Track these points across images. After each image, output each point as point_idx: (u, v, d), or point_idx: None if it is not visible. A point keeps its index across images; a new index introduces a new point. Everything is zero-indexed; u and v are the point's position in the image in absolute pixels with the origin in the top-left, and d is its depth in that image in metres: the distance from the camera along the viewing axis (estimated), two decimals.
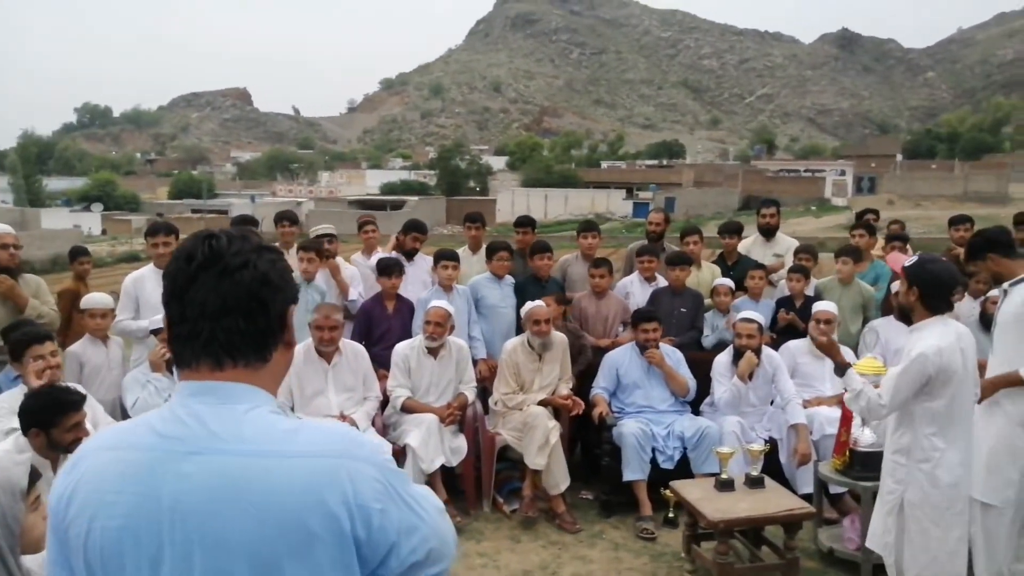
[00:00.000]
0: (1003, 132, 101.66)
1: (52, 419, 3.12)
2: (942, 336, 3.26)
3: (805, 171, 68.91)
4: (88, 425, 3.60)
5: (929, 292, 3.30)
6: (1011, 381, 3.59)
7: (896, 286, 5.47)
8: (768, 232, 6.64)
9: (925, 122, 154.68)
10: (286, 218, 6.18)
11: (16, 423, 3.40)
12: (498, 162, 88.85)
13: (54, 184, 74.28)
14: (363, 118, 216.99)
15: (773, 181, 62.15)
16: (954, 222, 6.41)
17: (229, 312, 1.19)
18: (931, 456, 3.25)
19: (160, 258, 5.00)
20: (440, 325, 4.95)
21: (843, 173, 64.04)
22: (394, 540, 1.21)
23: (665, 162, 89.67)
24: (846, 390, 3.58)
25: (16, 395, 3.77)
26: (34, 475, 1.89)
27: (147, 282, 4.99)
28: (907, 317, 5.20)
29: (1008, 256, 3.71)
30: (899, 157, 78.36)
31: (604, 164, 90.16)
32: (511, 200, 56.76)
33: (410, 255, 6.09)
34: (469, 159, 73.33)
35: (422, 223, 6.45)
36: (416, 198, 56.84)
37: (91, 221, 53.06)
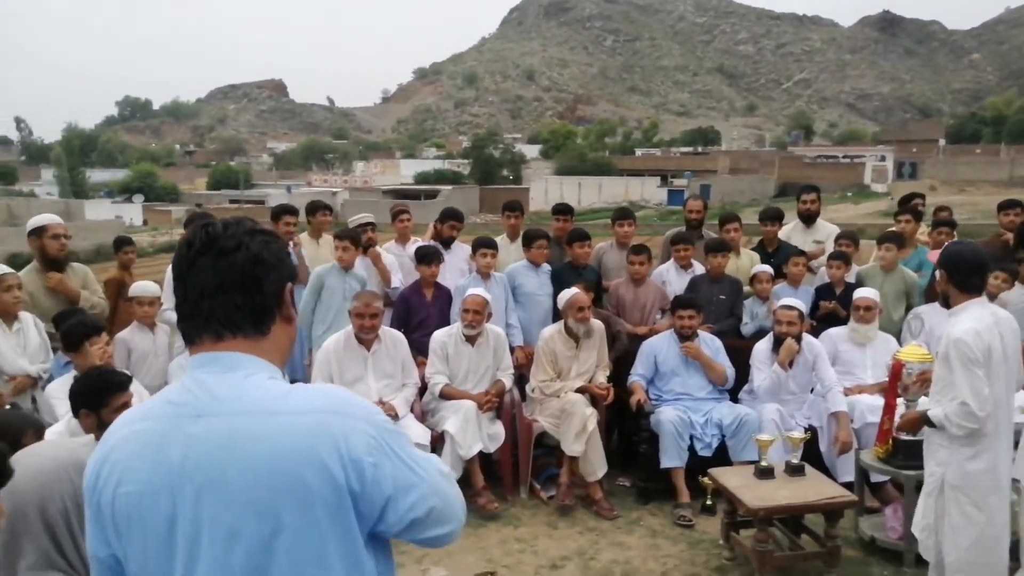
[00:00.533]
0: None
1: (101, 400, 3.21)
2: (978, 319, 3.22)
3: (844, 157, 67.69)
4: None
5: (957, 273, 3.27)
6: None
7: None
8: (808, 218, 6.54)
9: (969, 105, 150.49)
10: (319, 207, 6.25)
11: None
12: (532, 150, 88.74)
13: (97, 176, 76.00)
14: (397, 108, 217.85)
15: (810, 167, 61.15)
16: (1003, 207, 6.24)
17: (225, 290, 1.30)
18: (977, 442, 3.20)
19: None
20: (478, 313, 4.98)
21: (883, 159, 62.74)
22: (389, 494, 1.27)
23: (700, 149, 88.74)
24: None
25: (68, 381, 3.89)
26: None
27: None
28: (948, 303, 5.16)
29: None
30: (942, 142, 76.41)
31: (638, 152, 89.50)
32: (545, 188, 56.62)
33: (447, 243, 6.12)
34: (503, 148, 73.35)
35: (459, 211, 6.48)
36: (450, 187, 56.99)
37: (132, 212, 54.16)
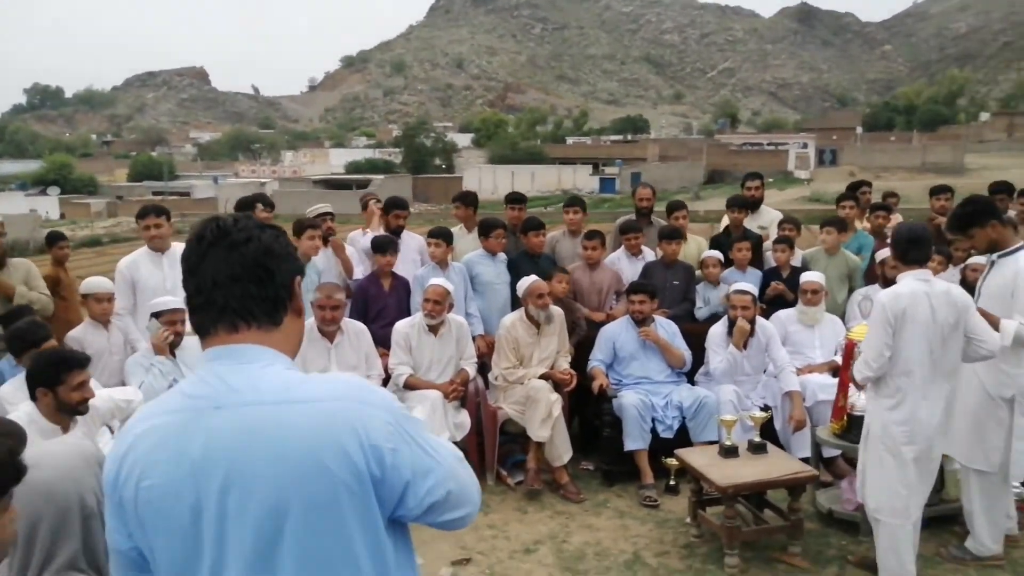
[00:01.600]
0: (958, 104, 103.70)
1: (58, 376, 3.13)
2: (908, 285, 3.49)
3: (768, 144, 69.59)
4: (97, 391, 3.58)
5: (899, 245, 3.59)
6: (989, 320, 3.72)
7: (881, 255, 5.64)
8: (753, 204, 6.74)
9: (883, 95, 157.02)
10: (261, 201, 6.08)
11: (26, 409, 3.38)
12: (463, 139, 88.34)
13: (6, 167, 72.20)
14: (324, 96, 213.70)
15: (737, 155, 62.70)
16: (934, 192, 6.57)
17: (239, 280, 1.32)
18: (895, 395, 3.48)
19: (153, 240, 4.93)
20: (439, 303, 4.97)
21: (805, 146, 64.75)
22: (408, 479, 1.31)
23: (630, 137, 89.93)
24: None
25: (20, 381, 3.73)
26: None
27: (141, 266, 4.93)
28: (891, 285, 5.41)
29: (1003, 224, 3.84)
30: (859, 130, 79.47)
31: (569, 140, 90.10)
32: (478, 177, 56.50)
33: (396, 233, 6.04)
34: (434, 136, 72.73)
35: (403, 199, 6.40)
36: (382, 177, 56.31)
37: (48, 205, 51.62)
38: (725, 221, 6.74)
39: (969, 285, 4.44)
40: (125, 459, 1.30)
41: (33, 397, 3.24)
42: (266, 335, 1.34)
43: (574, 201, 6.57)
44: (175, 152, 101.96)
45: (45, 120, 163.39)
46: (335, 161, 74.24)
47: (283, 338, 1.37)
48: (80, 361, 3.23)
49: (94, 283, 4.70)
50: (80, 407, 3.24)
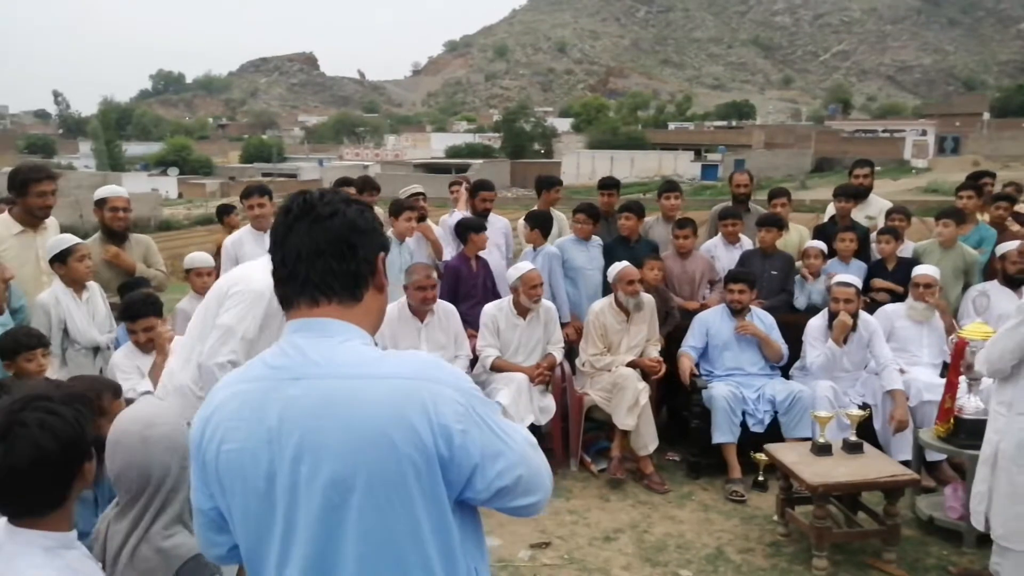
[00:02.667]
0: None
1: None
2: None
3: (883, 131, 66.18)
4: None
5: None
6: None
7: (1002, 249, 5.26)
8: (861, 193, 6.41)
9: (1016, 78, 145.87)
10: (368, 185, 6.24)
11: (143, 385, 3.60)
12: (563, 124, 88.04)
13: (133, 149, 77.05)
14: (427, 81, 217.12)
15: (848, 142, 59.91)
16: None
17: (321, 254, 1.34)
18: None
19: (257, 219, 5.13)
20: (539, 287, 4.98)
21: (924, 133, 61.20)
22: (477, 461, 1.30)
23: (734, 123, 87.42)
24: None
25: (132, 350, 3.97)
26: None
27: (245, 243, 5.14)
28: (1013, 281, 5.04)
29: None
30: (986, 116, 74.27)
31: (671, 125, 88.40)
32: (576, 162, 56.28)
33: (483, 215, 6.06)
34: (534, 121, 72.89)
35: (489, 182, 6.43)
36: (481, 161, 56.88)
37: (168, 185, 54.93)
38: (831, 211, 6.44)
39: None
40: (209, 422, 1.36)
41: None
42: (346, 310, 1.36)
43: (671, 186, 6.43)
44: (284, 135, 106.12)
45: (168, 104, 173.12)
46: (436, 145, 75.53)
47: (363, 313, 1.39)
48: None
49: (196, 258, 4.93)
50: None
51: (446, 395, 1.28)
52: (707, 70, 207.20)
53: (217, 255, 5.35)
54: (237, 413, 1.33)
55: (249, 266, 3.20)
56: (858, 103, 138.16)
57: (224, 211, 6.81)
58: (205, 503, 1.40)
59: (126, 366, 3.86)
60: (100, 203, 4.77)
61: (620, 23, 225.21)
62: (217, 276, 4.98)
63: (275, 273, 1.39)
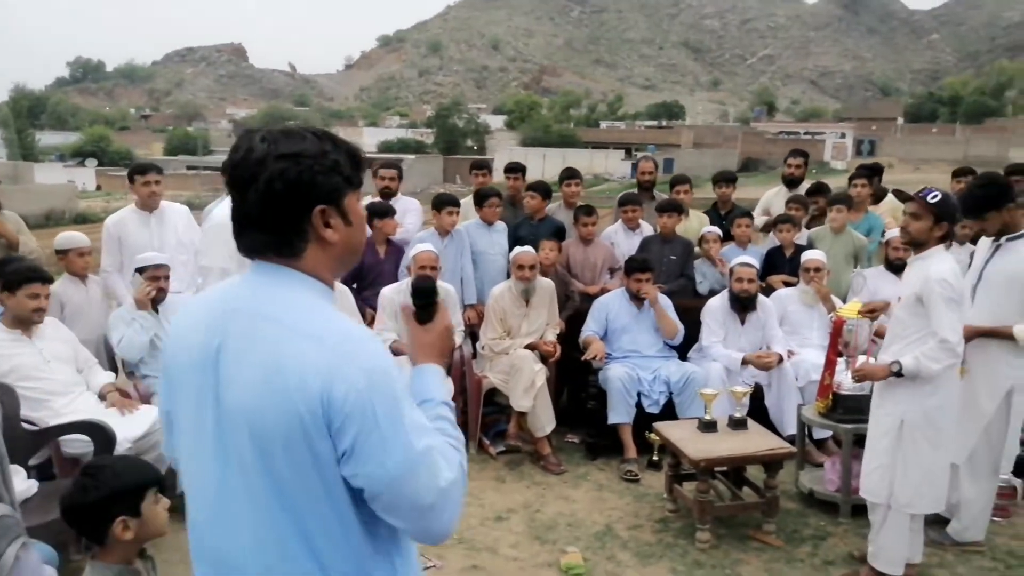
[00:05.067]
0: (1006, 96, 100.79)
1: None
2: (950, 261, 3.32)
3: (805, 133, 68.38)
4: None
5: (951, 220, 3.32)
6: (999, 333, 3.58)
7: (888, 235, 5.46)
8: (792, 183, 6.58)
9: (928, 85, 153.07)
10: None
11: None
12: (496, 121, 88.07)
13: (47, 139, 73.53)
14: (360, 75, 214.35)
15: (772, 143, 61.68)
16: (957, 174, 6.34)
17: (245, 226, 1.36)
18: (935, 377, 3.25)
19: (150, 197, 4.92)
20: (433, 268, 4.92)
21: (843, 136, 63.57)
22: (345, 450, 1.27)
23: (664, 123, 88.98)
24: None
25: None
26: None
27: (129, 223, 4.93)
28: (895, 267, 5.24)
29: (1017, 207, 3.67)
30: (900, 120, 77.74)
31: (603, 124, 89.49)
32: (509, 159, 56.15)
33: (386, 195, 5.97)
34: (467, 118, 72.65)
35: (394, 160, 6.35)
36: (413, 156, 56.40)
37: (85, 176, 52.62)
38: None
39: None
40: (169, 338, 1.48)
41: None
42: (292, 261, 1.36)
43: (571, 173, 6.46)
44: (211, 128, 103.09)
45: (86, 93, 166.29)
46: (368, 140, 74.44)
47: (311, 266, 1.37)
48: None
49: (68, 238, 4.68)
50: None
51: (350, 376, 1.24)
52: (638, 71, 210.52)
53: None
54: (186, 331, 1.40)
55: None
56: (782, 106, 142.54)
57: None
58: (164, 404, 1.49)
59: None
60: None
61: (554, 22, 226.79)
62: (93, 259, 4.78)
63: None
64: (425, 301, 1.62)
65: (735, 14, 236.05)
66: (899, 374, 3.26)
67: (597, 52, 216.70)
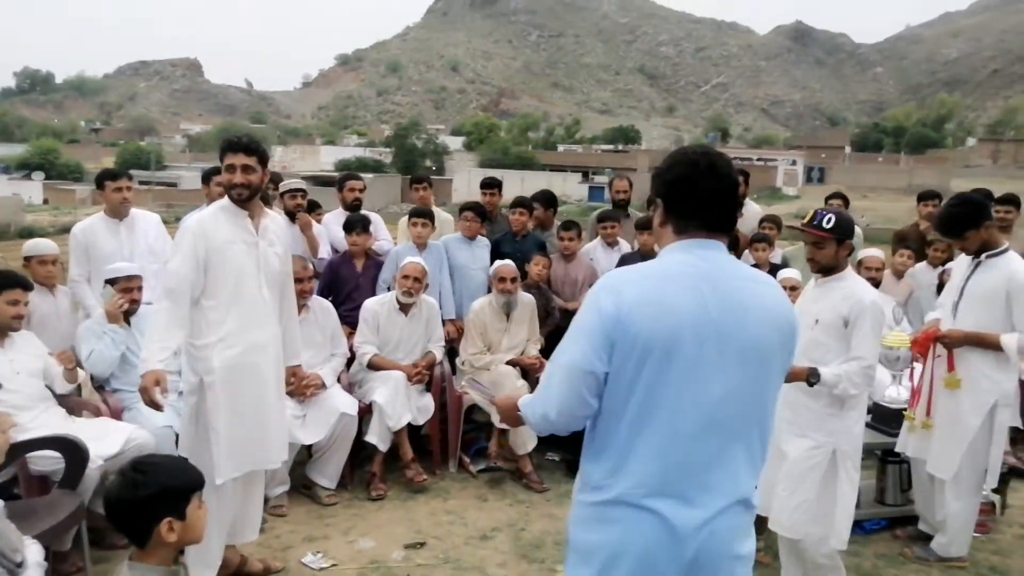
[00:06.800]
0: (946, 128, 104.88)
1: None
2: (867, 283, 3.36)
3: (758, 159, 69.98)
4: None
5: (851, 239, 3.27)
6: (988, 342, 3.63)
7: (861, 255, 5.56)
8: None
9: (873, 116, 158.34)
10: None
11: None
12: (455, 142, 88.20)
13: None
14: (318, 94, 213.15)
15: None
16: (923, 197, 6.52)
17: (725, 202, 1.84)
18: (858, 403, 3.27)
19: (124, 203, 4.74)
20: (417, 280, 4.84)
21: (794, 163, 65.25)
22: None
23: (621, 147, 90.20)
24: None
25: None
26: None
27: (98, 232, 4.73)
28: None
29: (994, 225, 3.75)
30: (848, 149, 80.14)
31: (561, 147, 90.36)
32: (468, 180, 56.28)
33: (354, 207, 5.86)
34: (426, 138, 72.62)
35: (356, 173, 6.32)
36: (371, 176, 56.06)
37: (32, 190, 51.11)
38: None
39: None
40: (624, 301, 1.73)
41: None
42: (722, 235, 1.85)
43: (542, 196, 6.50)
44: (164, 142, 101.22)
45: (34, 105, 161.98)
46: (326, 158, 73.92)
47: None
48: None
49: (36, 245, 4.48)
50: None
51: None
52: (595, 95, 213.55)
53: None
54: (665, 298, 1.73)
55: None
56: (735, 132, 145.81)
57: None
58: (598, 367, 1.74)
59: None
60: None
61: (512, 45, 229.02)
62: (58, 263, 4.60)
63: (680, 208, 1.83)
64: None
65: (690, 42, 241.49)
66: (811, 383, 3.16)
67: (555, 76, 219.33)
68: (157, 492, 1.91)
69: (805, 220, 3.30)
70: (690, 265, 1.77)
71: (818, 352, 3.22)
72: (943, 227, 3.85)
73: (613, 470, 1.80)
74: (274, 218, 3.57)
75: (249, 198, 3.31)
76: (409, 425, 4.70)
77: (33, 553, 2.12)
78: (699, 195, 1.80)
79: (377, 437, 4.54)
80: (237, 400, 3.30)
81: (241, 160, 3.26)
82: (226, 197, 3.35)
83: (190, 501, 1.97)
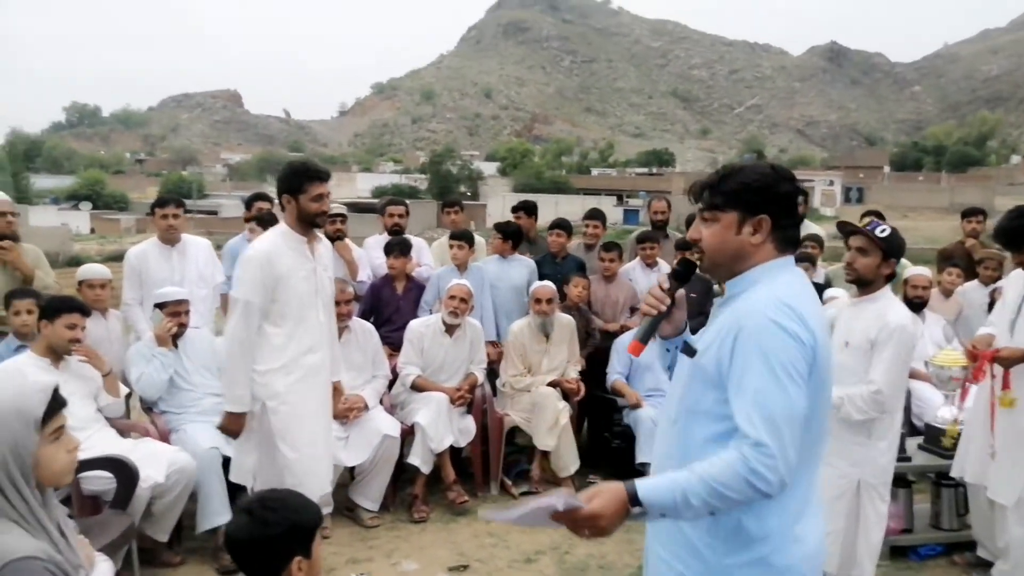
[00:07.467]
0: (988, 146, 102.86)
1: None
2: (903, 306, 3.30)
3: None
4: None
5: (896, 263, 3.23)
6: None
7: (907, 273, 5.46)
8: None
9: (911, 135, 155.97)
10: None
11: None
12: (489, 168, 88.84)
13: (42, 182, 73.66)
14: (354, 122, 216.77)
15: None
16: (967, 214, 6.42)
17: None
18: (887, 432, 3.20)
19: (170, 230, 4.87)
20: (464, 301, 4.87)
21: (832, 183, 64.40)
22: None
23: (655, 170, 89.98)
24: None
25: (23, 360, 3.71)
26: (57, 403, 1.79)
27: (150, 257, 4.87)
28: (912, 305, 5.20)
29: None
30: (887, 169, 78.95)
31: (595, 171, 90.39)
32: (502, 205, 56.60)
33: (395, 232, 5.90)
34: (460, 164, 73.32)
35: (399, 199, 6.41)
36: (408, 201, 56.68)
37: (79, 220, 52.60)
38: None
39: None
40: (814, 328, 1.70)
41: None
42: None
43: (594, 214, 6.50)
44: (206, 172, 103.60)
45: (82, 138, 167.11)
46: (362, 185, 74.97)
47: None
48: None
49: (89, 270, 4.62)
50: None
51: None
52: (629, 119, 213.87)
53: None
54: (817, 318, 1.70)
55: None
56: (771, 154, 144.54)
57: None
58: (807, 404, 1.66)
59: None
60: None
61: (545, 71, 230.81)
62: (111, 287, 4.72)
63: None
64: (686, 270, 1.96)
65: (723, 64, 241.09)
66: None
67: (588, 101, 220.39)
68: (288, 529, 1.80)
69: (861, 224, 3.28)
70: (806, 284, 1.77)
71: (845, 375, 3.11)
72: (1006, 239, 3.75)
73: (799, 513, 1.72)
74: (324, 242, 3.67)
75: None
76: (451, 447, 4.70)
77: (103, 571, 2.11)
78: (797, 212, 1.79)
79: (419, 459, 4.55)
80: (301, 422, 3.41)
81: (328, 189, 3.46)
82: (282, 223, 3.53)
83: (315, 538, 1.86)
